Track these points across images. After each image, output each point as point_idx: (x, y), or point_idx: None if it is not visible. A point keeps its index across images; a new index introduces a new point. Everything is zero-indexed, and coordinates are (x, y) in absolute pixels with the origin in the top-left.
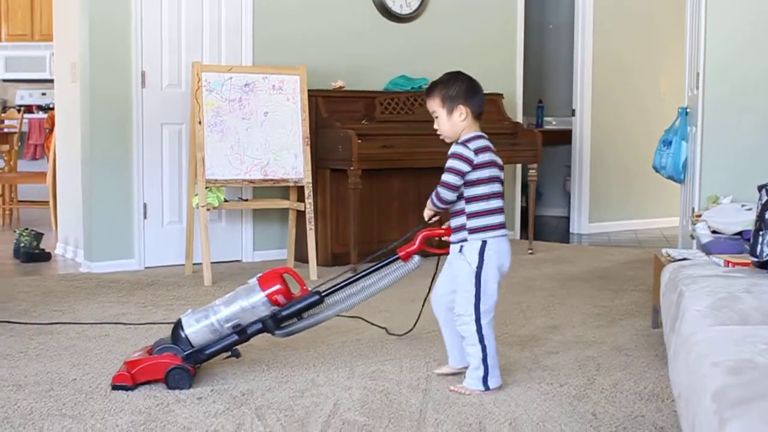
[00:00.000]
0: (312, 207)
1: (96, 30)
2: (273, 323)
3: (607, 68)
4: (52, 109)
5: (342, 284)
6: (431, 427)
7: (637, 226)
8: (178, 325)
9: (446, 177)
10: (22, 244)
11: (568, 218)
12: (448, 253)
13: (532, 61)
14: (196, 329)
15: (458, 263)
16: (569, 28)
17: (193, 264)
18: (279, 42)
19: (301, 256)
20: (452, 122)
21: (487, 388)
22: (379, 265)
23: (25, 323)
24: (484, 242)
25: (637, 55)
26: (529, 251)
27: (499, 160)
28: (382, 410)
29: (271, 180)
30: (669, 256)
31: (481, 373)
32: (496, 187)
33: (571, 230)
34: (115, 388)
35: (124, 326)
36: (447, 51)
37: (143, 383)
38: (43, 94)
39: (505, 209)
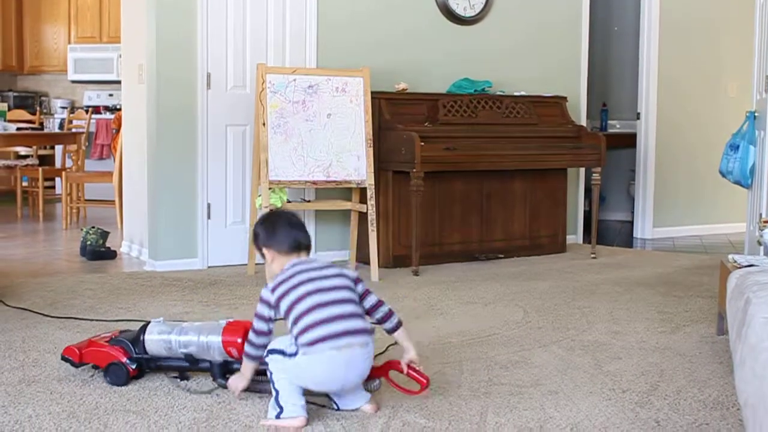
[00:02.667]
0: (374, 209)
1: (162, 32)
2: (219, 370)
3: (672, 72)
4: (119, 109)
5: None
6: (491, 430)
7: (703, 231)
8: (143, 327)
9: (253, 322)
10: (89, 242)
11: (631, 223)
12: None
13: (596, 64)
14: (153, 339)
15: None
16: (634, 30)
17: (256, 264)
18: (343, 44)
19: (362, 258)
20: (267, 265)
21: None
22: None
23: (91, 320)
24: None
25: (704, 59)
26: (592, 255)
27: (319, 273)
28: (443, 413)
29: (334, 181)
30: (735, 262)
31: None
32: (307, 303)
33: (634, 235)
34: (63, 359)
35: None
36: (510, 54)
37: (87, 364)
38: (111, 95)
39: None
